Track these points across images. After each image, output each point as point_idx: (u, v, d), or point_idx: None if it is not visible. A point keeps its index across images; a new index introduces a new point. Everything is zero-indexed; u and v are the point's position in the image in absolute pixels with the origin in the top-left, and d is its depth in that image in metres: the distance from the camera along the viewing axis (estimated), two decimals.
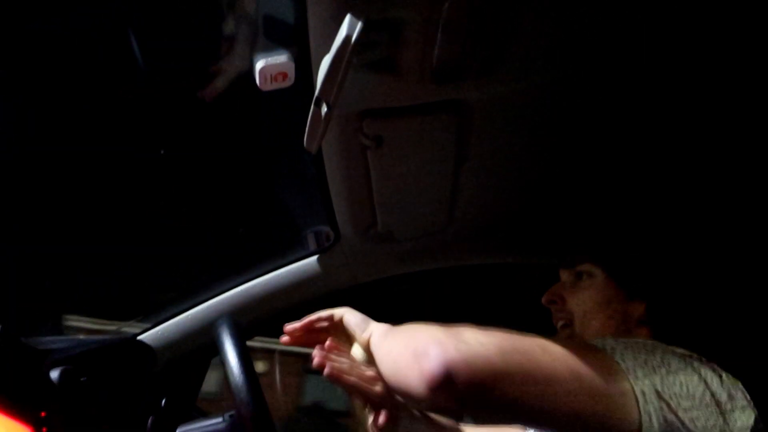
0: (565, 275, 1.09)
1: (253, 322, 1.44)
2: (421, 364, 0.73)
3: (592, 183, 1.21)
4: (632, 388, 0.76)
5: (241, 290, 1.44)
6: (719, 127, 1.05)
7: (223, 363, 0.93)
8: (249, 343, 1.15)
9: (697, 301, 1.04)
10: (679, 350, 0.86)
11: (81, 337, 1.04)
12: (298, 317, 1.51)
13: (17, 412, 0.82)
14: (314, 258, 1.45)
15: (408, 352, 0.78)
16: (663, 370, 0.79)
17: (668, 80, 0.93)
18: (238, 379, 0.88)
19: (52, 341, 0.99)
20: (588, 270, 1.05)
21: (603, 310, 1.01)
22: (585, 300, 1.03)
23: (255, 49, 0.85)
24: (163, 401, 1.04)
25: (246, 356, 0.93)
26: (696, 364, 0.83)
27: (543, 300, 1.08)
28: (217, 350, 0.96)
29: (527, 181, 1.22)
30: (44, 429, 0.85)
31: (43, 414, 0.84)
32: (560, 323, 1.05)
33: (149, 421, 1.17)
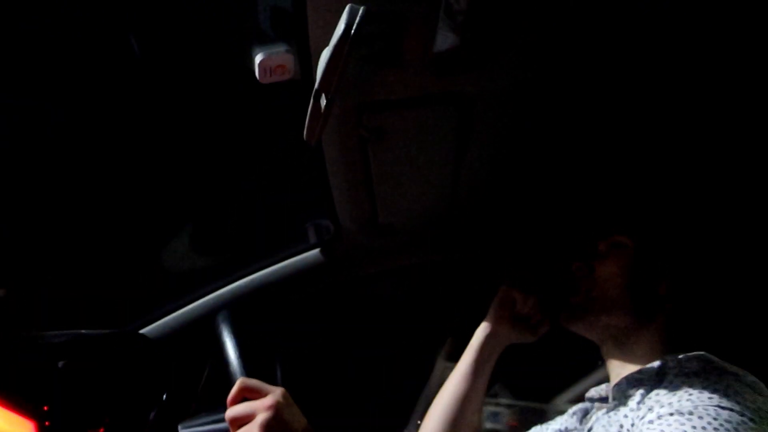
0: (601, 246, 1.10)
1: (254, 315, 1.44)
2: None
3: (618, 162, 1.20)
4: None
5: (242, 283, 1.45)
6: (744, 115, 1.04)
7: (223, 357, 0.93)
8: None
9: (722, 285, 1.04)
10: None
11: (83, 331, 1.04)
12: (299, 311, 1.52)
13: (20, 406, 0.82)
14: (315, 251, 1.45)
15: None
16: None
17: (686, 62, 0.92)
18: (238, 373, 0.88)
19: (53, 335, 0.99)
20: (620, 241, 1.06)
21: (623, 277, 1.02)
22: (610, 267, 1.04)
23: (254, 41, 0.84)
24: (165, 395, 1.04)
25: (246, 350, 0.93)
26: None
27: (573, 267, 1.09)
28: (218, 344, 0.96)
29: (531, 170, 1.21)
30: (47, 423, 0.85)
31: (45, 408, 0.85)
32: (584, 289, 1.05)
33: (151, 414, 1.17)
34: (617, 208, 1.15)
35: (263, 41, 0.83)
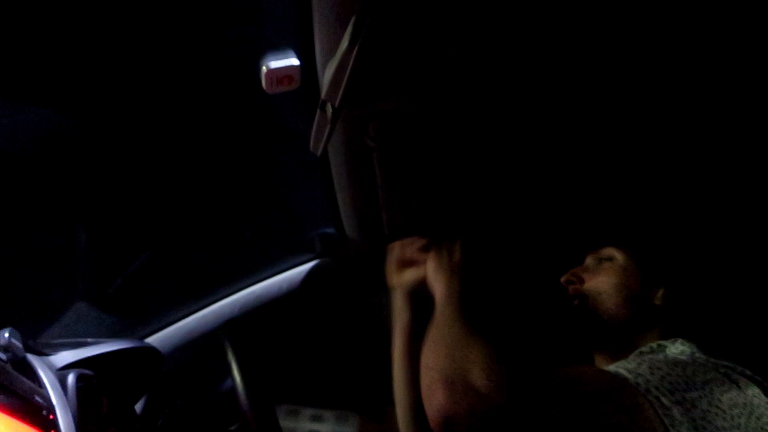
0: (588, 259, 1.10)
1: (260, 324, 1.44)
2: (430, 401, 0.77)
3: (615, 172, 1.20)
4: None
5: (248, 293, 1.45)
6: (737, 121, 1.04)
7: (228, 368, 0.93)
8: None
9: (717, 291, 1.04)
10: (722, 365, 0.85)
11: (89, 339, 1.04)
12: (305, 320, 1.52)
13: (26, 415, 0.82)
14: (321, 261, 1.46)
15: (427, 377, 0.81)
16: (704, 402, 0.76)
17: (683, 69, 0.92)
18: (243, 384, 0.88)
19: (60, 344, 0.99)
20: (610, 254, 1.06)
21: (619, 292, 1.01)
22: (603, 282, 1.03)
23: (261, 52, 0.85)
24: (172, 404, 1.04)
25: (251, 361, 0.93)
26: (742, 382, 0.82)
27: (562, 279, 1.08)
28: (224, 354, 0.96)
29: (538, 180, 1.21)
30: (52, 431, 0.85)
31: (51, 417, 0.85)
32: (575, 301, 1.05)
33: (158, 422, 1.17)
34: (606, 220, 1.14)
35: (270, 52, 0.84)
